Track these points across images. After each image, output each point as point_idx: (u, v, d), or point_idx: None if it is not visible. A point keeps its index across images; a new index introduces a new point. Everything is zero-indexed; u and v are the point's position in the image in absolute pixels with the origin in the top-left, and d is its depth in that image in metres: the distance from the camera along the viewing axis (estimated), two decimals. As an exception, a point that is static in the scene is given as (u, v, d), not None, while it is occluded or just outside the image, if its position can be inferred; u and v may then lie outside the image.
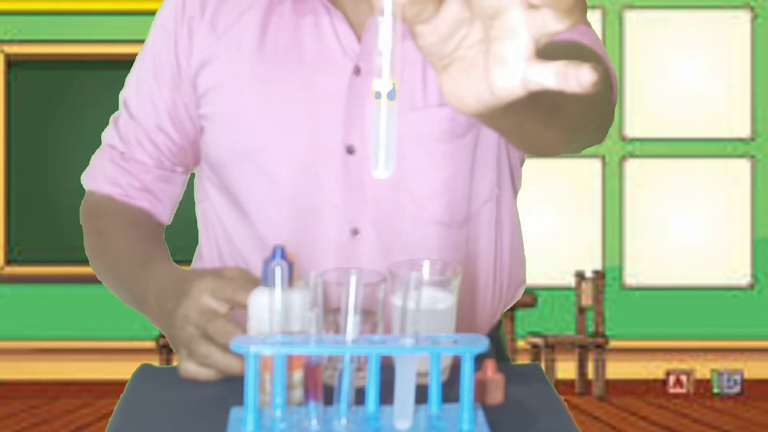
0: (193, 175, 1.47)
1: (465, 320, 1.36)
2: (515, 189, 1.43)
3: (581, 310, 7.36)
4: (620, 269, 7.84)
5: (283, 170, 1.31)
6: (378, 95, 0.73)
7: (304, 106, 1.30)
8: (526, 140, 1.04)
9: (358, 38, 1.31)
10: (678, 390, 7.36)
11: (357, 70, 1.30)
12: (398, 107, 1.28)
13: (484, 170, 1.35)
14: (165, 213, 1.44)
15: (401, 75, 1.28)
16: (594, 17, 7.77)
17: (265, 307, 1.03)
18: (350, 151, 1.30)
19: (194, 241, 1.46)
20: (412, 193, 1.31)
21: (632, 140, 7.82)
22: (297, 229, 1.32)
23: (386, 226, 1.32)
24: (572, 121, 1.04)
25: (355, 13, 1.32)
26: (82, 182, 1.44)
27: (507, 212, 1.41)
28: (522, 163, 1.43)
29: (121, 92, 1.42)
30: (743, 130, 7.84)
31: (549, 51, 1.00)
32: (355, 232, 1.31)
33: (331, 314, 1.03)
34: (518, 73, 0.73)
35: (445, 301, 1.08)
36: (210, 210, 1.40)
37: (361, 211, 1.31)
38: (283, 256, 1.01)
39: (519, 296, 1.45)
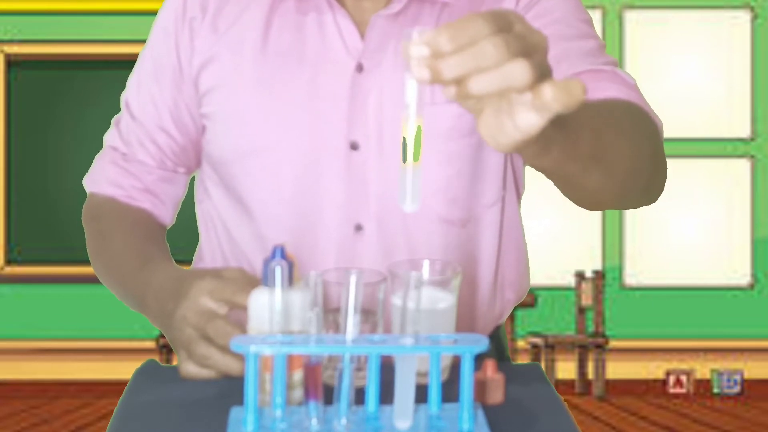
0: (193, 176, 1.47)
1: (465, 320, 1.36)
2: (519, 194, 1.43)
3: (581, 310, 7.36)
4: (620, 269, 7.84)
5: (285, 168, 1.31)
6: (404, 143, 0.80)
7: (306, 104, 1.30)
8: (570, 184, 1.05)
9: (361, 35, 1.31)
10: (678, 390, 7.36)
11: (360, 67, 1.30)
12: (402, 103, 1.28)
13: (490, 171, 1.35)
14: (167, 214, 1.44)
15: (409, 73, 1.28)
16: (594, 17, 7.76)
17: (265, 306, 1.03)
18: (353, 147, 1.30)
19: (194, 241, 1.46)
20: (415, 189, 1.31)
21: (632, 140, 7.81)
22: (300, 225, 1.32)
23: (389, 222, 1.32)
24: (616, 170, 1.05)
25: (358, 10, 1.32)
26: (84, 186, 1.44)
27: (511, 216, 1.40)
28: (524, 166, 1.43)
29: (122, 93, 1.42)
30: (743, 130, 7.83)
31: (604, 113, 1.04)
32: (358, 227, 1.31)
33: (331, 314, 1.03)
34: (534, 106, 0.77)
35: (445, 300, 1.08)
36: (211, 210, 1.40)
37: (364, 207, 1.31)
38: (283, 255, 1.01)
39: (521, 298, 1.45)
